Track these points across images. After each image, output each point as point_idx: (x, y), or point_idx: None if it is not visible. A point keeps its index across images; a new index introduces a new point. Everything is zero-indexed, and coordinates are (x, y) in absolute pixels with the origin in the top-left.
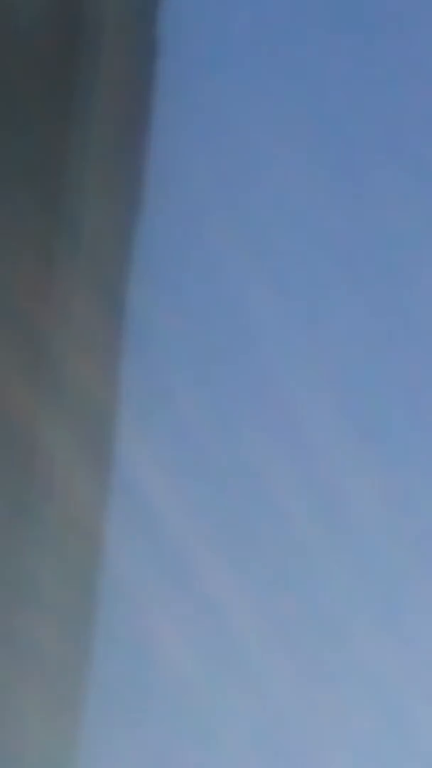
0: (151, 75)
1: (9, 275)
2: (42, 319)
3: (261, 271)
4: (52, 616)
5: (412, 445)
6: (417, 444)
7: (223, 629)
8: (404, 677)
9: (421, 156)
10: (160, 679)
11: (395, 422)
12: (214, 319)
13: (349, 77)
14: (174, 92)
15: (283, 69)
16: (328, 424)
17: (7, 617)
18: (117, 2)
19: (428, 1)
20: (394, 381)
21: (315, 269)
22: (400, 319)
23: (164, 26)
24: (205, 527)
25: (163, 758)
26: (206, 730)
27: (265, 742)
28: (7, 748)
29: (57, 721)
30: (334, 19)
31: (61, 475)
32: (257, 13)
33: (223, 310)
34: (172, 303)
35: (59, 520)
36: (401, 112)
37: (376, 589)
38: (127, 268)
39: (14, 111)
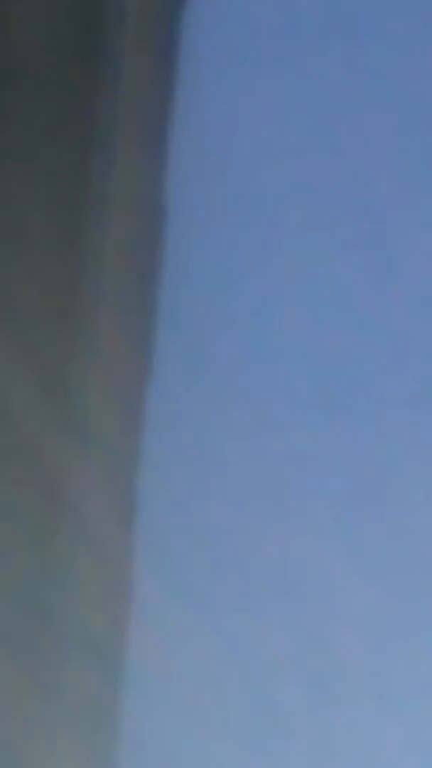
0: (172, 77)
1: (27, 293)
2: (63, 344)
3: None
4: (77, 657)
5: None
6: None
7: (254, 671)
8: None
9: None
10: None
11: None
12: (237, 346)
13: (355, 75)
14: (193, 93)
15: (303, 68)
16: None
17: (32, 660)
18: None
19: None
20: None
21: (319, 276)
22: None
23: (185, 26)
24: (227, 563)
25: None
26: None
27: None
28: None
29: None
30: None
31: (85, 512)
32: (277, 12)
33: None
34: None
35: (84, 559)
36: (405, 117)
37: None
38: (153, 291)
39: (35, 117)
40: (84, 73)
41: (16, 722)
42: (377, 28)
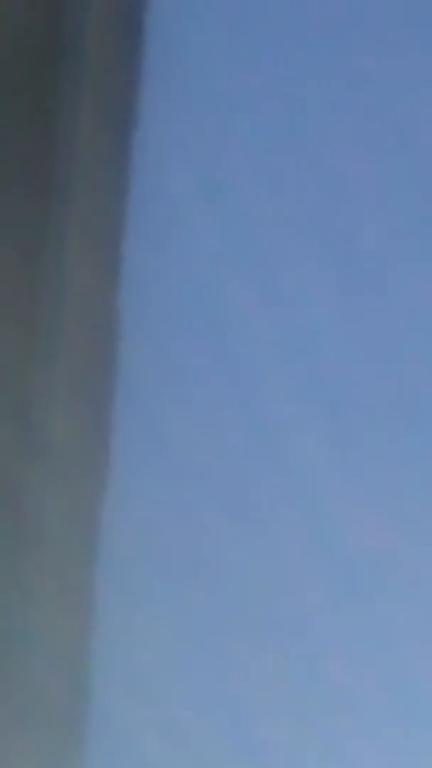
0: (137, 65)
1: None
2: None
3: (254, 277)
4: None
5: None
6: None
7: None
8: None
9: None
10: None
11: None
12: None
13: (342, 64)
14: (160, 82)
15: (273, 62)
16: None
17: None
18: None
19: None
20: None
21: (303, 268)
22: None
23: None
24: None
25: None
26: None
27: None
28: None
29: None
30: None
31: (49, 528)
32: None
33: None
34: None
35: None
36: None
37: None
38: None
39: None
40: (48, 64)
41: None
42: (368, 23)
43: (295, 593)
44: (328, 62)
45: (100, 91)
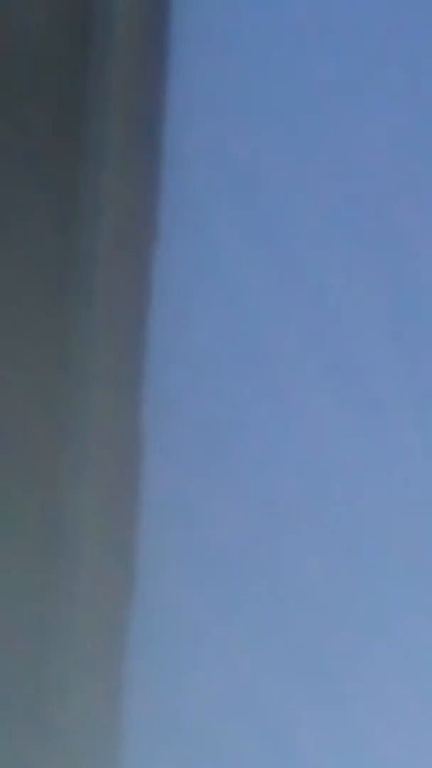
0: (162, 70)
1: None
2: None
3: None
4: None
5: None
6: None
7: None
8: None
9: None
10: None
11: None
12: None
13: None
14: (184, 86)
15: (292, 64)
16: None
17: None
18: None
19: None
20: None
21: (319, 267)
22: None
23: (174, 22)
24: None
25: None
26: None
27: None
28: None
29: None
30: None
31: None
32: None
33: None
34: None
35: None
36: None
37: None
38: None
39: (26, 108)
40: (73, 69)
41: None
42: (369, 24)
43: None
44: (360, 68)
45: (126, 101)
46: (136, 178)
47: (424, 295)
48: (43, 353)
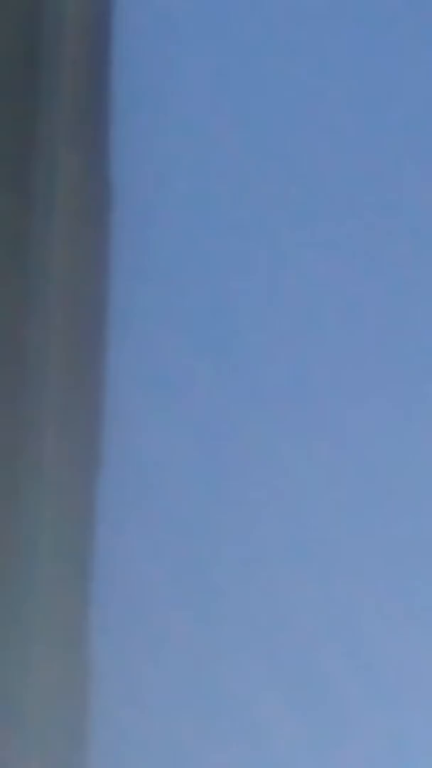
0: (109, 67)
1: None
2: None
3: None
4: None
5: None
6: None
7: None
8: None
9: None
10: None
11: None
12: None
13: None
14: (130, 82)
15: (238, 62)
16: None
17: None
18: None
19: None
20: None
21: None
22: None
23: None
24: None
25: None
26: None
27: None
28: None
29: None
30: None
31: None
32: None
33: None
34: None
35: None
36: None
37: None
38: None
39: None
40: (25, 77)
41: None
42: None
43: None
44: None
45: (75, 98)
46: (86, 177)
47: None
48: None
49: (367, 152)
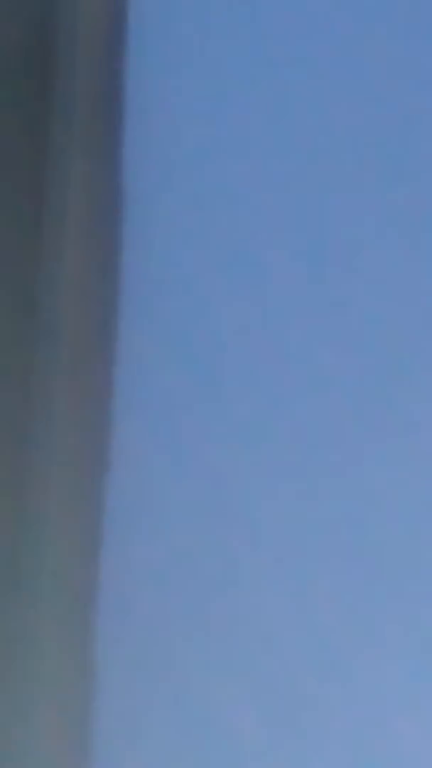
0: (120, 82)
1: None
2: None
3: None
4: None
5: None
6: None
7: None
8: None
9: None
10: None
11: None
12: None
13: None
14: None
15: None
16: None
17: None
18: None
19: None
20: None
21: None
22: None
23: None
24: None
25: None
26: None
27: None
28: None
29: None
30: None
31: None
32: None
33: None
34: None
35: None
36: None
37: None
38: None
39: None
40: (36, 86)
41: None
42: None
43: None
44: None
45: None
46: (99, 185)
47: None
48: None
49: (371, 158)
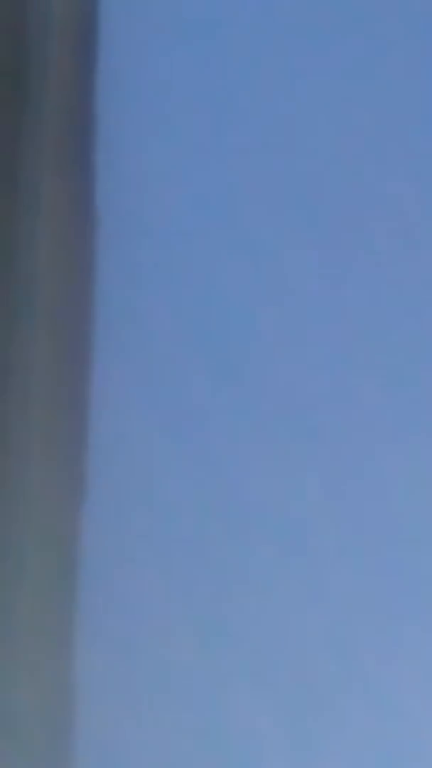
0: (93, 73)
1: None
2: None
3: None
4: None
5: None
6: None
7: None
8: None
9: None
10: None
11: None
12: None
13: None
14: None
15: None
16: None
17: None
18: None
19: None
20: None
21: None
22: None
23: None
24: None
25: None
26: None
27: None
28: None
29: None
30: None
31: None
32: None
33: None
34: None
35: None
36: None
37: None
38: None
39: None
40: (10, 87)
41: None
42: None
43: None
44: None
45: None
46: (71, 200)
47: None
48: None
49: (368, 165)
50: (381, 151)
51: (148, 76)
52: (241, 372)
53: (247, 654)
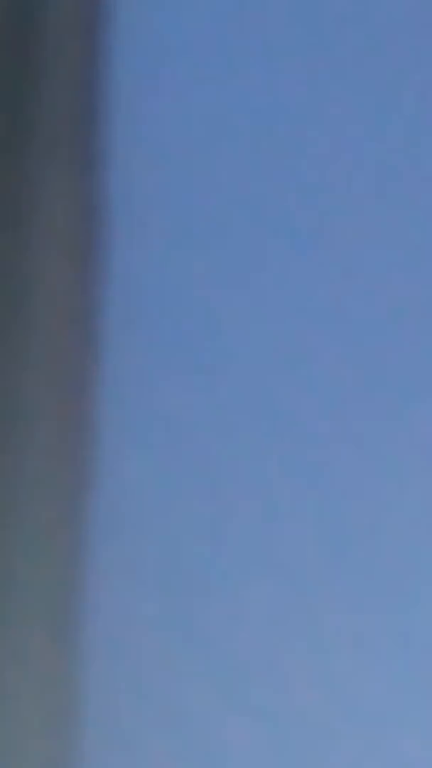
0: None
1: None
2: None
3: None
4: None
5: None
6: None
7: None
8: None
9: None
10: None
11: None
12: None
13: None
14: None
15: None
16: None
17: None
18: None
19: None
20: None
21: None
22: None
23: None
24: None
25: None
26: None
27: None
28: None
29: None
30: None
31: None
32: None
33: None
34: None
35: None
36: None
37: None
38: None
39: None
40: (19, 78)
41: None
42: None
43: None
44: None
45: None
46: (79, 195)
47: None
48: None
49: (373, 165)
50: (380, 160)
51: (150, 75)
52: (242, 372)
53: (246, 663)
